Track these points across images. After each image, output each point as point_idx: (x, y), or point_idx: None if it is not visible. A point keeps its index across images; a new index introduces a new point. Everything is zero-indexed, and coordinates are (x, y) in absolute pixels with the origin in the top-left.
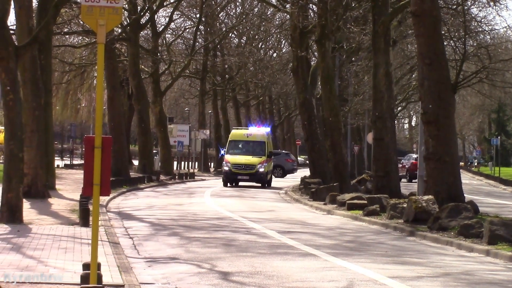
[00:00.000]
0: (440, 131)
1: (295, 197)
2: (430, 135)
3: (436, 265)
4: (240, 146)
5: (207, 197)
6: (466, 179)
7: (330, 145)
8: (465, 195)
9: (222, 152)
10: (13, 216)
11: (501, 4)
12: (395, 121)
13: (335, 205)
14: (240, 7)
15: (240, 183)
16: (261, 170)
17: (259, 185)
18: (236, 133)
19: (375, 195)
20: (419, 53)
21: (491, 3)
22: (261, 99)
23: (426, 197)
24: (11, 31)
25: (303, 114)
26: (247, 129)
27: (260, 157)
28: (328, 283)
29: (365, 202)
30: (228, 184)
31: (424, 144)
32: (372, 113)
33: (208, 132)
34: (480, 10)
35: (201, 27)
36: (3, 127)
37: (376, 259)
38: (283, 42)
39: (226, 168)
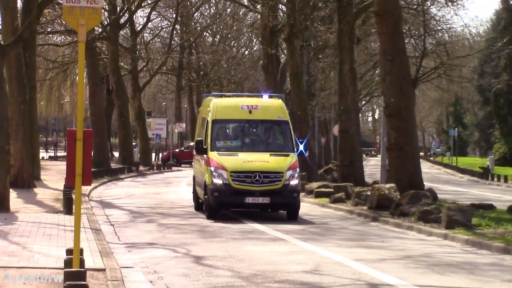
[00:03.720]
0: (401, 123)
1: None
2: (392, 127)
3: (397, 248)
4: (237, 132)
5: (183, 186)
6: (426, 168)
7: (298, 137)
8: (424, 183)
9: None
10: (0, 205)
11: (458, 4)
12: (360, 114)
13: (304, 193)
14: (214, 8)
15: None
16: (293, 182)
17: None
18: (224, 104)
19: (341, 184)
20: (381, 50)
21: (449, 3)
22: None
23: (388, 185)
24: None
25: None
26: (246, 96)
27: (287, 155)
28: (296, 266)
29: (332, 190)
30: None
31: (386, 135)
32: (338, 106)
33: (184, 125)
34: (438, 10)
35: (177, 26)
36: None
37: (342, 243)
38: (254, 40)
39: (218, 181)
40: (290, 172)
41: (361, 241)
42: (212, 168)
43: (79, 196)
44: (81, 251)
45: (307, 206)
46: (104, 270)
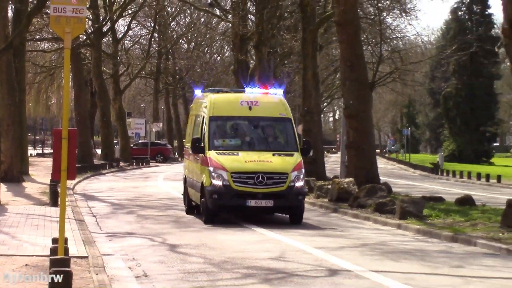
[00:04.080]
0: (359, 123)
1: None
2: (351, 127)
3: (355, 237)
4: (236, 130)
5: (160, 180)
6: (381, 164)
7: None
8: (380, 177)
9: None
10: None
11: (411, 14)
12: (322, 115)
13: None
14: (188, 17)
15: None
16: (299, 184)
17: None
18: (222, 100)
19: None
20: (341, 57)
21: (403, 14)
22: None
23: (347, 180)
24: None
25: None
26: (242, 91)
27: (290, 154)
28: (263, 253)
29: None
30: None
31: (346, 134)
32: (302, 108)
33: (161, 125)
34: (394, 20)
35: (155, 34)
36: None
37: (305, 233)
38: (226, 47)
39: (218, 183)
40: (295, 173)
41: (322, 230)
42: (211, 169)
43: (64, 189)
44: (66, 240)
45: None
46: (86, 257)
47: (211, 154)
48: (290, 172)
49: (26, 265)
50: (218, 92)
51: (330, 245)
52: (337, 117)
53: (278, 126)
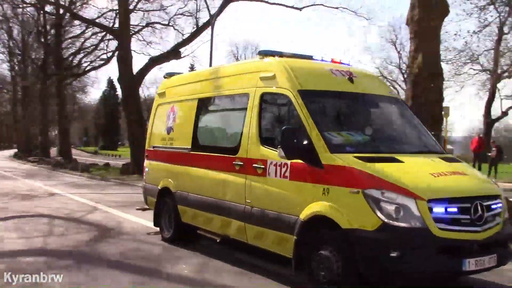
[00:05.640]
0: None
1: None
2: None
3: (65, 179)
4: (348, 116)
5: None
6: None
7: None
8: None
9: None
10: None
11: None
12: None
13: (28, 161)
14: None
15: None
16: (506, 215)
17: None
18: (300, 65)
19: (40, 157)
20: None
21: None
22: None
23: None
24: None
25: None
26: (310, 57)
27: (454, 159)
28: (23, 188)
29: (37, 159)
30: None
31: None
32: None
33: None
34: None
35: None
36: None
37: (43, 179)
38: None
39: (402, 224)
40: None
41: (53, 178)
42: (377, 192)
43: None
44: None
45: (30, 166)
46: None
47: (350, 162)
48: (501, 194)
49: None
50: (273, 55)
51: (51, 184)
52: None
53: (398, 111)
